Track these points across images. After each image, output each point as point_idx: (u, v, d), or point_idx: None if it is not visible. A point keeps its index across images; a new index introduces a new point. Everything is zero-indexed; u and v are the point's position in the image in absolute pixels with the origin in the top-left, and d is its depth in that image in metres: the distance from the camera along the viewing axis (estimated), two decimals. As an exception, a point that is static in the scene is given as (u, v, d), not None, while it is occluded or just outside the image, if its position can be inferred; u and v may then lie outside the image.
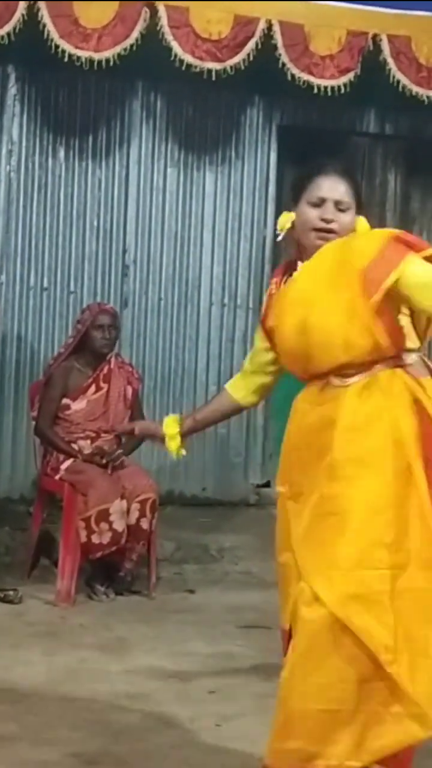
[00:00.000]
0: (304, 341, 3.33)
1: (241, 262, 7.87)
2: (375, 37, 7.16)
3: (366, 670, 3.18)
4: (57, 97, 7.53)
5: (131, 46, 6.79)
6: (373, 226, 3.49)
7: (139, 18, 6.79)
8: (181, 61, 6.91)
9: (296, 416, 3.42)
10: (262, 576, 6.30)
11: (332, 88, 7.13)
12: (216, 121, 7.78)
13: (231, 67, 6.98)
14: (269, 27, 6.99)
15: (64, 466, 6.25)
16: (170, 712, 4.47)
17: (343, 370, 3.31)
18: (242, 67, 7.00)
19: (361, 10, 7.16)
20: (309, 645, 3.21)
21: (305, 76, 7.08)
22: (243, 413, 4.41)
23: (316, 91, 7.12)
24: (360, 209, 3.44)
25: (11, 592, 5.99)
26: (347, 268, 3.29)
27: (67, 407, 6.36)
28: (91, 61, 6.80)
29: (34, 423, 6.52)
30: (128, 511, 6.14)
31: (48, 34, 6.69)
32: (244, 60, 6.97)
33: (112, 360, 6.48)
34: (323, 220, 3.37)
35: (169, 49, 6.87)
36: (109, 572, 6.23)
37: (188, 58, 6.91)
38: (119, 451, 6.31)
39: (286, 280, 3.47)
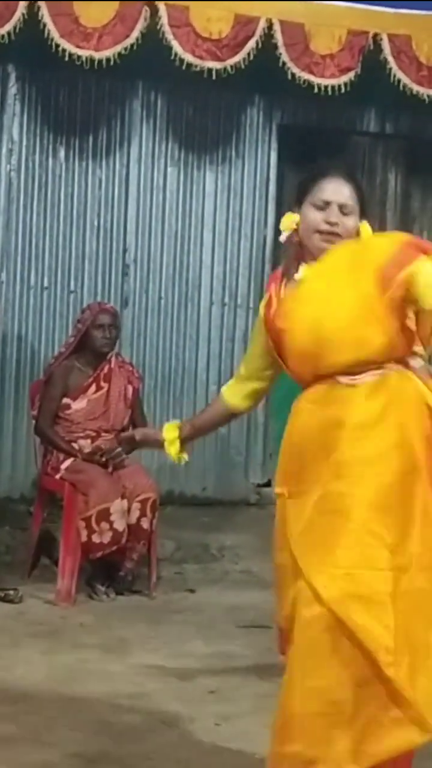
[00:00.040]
0: (316, 339, 3.31)
1: (241, 262, 7.87)
2: (375, 36, 7.16)
3: (365, 673, 3.17)
4: (57, 97, 7.53)
5: (131, 45, 6.80)
6: (373, 225, 3.49)
7: (140, 17, 6.79)
8: (182, 61, 6.91)
9: (300, 416, 3.40)
10: (262, 575, 6.29)
11: (332, 87, 7.13)
12: (216, 120, 7.78)
13: (231, 67, 6.98)
14: (270, 26, 6.99)
15: (64, 466, 6.25)
16: (170, 712, 4.47)
17: (353, 369, 3.30)
18: (242, 67, 7.00)
19: (362, 9, 7.16)
20: (308, 647, 3.20)
21: (306, 76, 7.08)
22: (244, 412, 4.41)
23: (316, 90, 7.12)
24: (364, 213, 3.44)
25: (11, 592, 5.99)
26: (363, 266, 3.30)
27: (68, 407, 6.36)
28: (91, 60, 6.80)
29: (34, 422, 6.52)
30: (129, 510, 6.14)
31: (48, 34, 6.69)
32: (244, 59, 6.98)
33: (113, 359, 6.47)
34: (327, 222, 3.37)
35: (170, 49, 6.87)
36: (110, 572, 6.22)
37: (188, 58, 6.91)
38: (119, 449, 6.30)
39: (286, 284, 3.46)
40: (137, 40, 6.80)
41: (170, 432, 3.71)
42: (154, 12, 6.82)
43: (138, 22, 6.79)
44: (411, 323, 3.33)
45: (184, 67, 6.94)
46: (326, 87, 7.12)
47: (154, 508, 6.21)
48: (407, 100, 7.34)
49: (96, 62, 6.81)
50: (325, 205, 3.38)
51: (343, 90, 7.15)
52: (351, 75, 7.13)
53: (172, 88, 7.54)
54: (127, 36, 6.79)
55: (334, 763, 3.18)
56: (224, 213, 7.83)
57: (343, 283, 3.32)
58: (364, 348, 3.28)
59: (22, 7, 6.62)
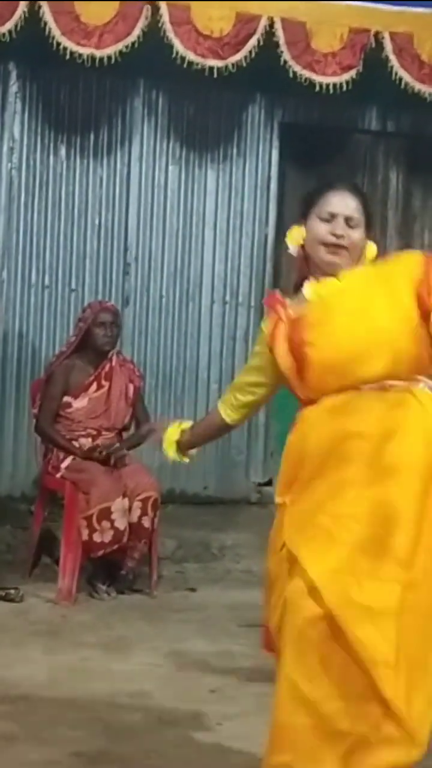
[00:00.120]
0: (350, 352, 3.28)
1: (242, 260, 7.87)
2: (377, 34, 7.15)
3: (358, 689, 3.13)
4: (58, 95, 7.53)
5: (133, 43, 6.79)
6: (374, 224, 3.49)
7: (141, 15, 6.79)
8: (183, 59, 6.90)
9: (313, 425, 3.34)
10: (263, 574, 6.29)
11: (334, 85, 7.12)
12: (217, 118, 7.78)
13: (233, 65, 6.98)
14: (271, 24, 6.98)
15: (64, 465, 6.24)
16: (171, 711, 4.47)
17: (382, 381, 3.28)
18: (244, 65, 6.99)
19: (363, 7, 7.15)
20: (299, 658, 3.17)
21: (307, 74, 7.07)
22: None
23: (317, 88, 7.11)
24: (369, 227, 3.43)
25: (12, 591, 5.99)
26: (397, 281, 3.30)
27: (69, 405, 6.36)
28: (92, 58, 6.79)
29: (34, 421, 6.51)
30: (130, 509, 6.14)
31: (49, 32, 6.68)
32: (245, 57, 6.97)
33: (114, 358, 6.47)
34: (333, 234, 3.35)
35: (171, 47, 6.87)
36: (111, 570, 6.22)
37: (190, 56, 6.90)
38: (116, 444, 6.30)
39: (292, 299, 3.42)
40: (138, 38, 6.79)
41: (172, 434, 3.71)
42: (156, 10, 6.82)
43: (139, 20, 6.78)
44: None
45: (185, 65, 6.93)
46: (328, 85, 7.11)
47: (155, 507, 6.20)
48: (409, 99, 7.33)
49: (97, 60, 6.80)
50: (331, 218, 3.36)
51: (344, 88, 7.14)
52: (352, 73, 7.12)
53: (174, 86, 7.53)
54: (129, 34, 6.78)
55: None
56: (225, 211, 7.82)
57: (379, 297, 3.31)
58: (398, 361, 3.27)
59: (23, 6, 6.61)
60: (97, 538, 6.05)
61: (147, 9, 6.80)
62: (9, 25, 6.61)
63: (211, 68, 6.96)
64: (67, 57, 6.76)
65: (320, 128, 7.89)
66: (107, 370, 6.42)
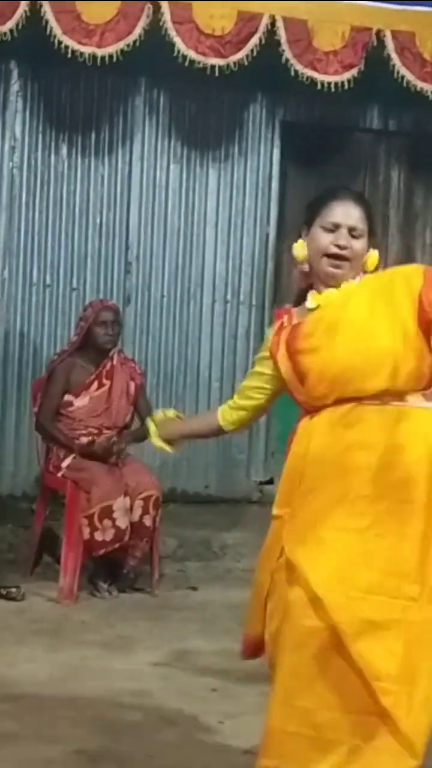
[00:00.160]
0: (351, 364, 3.26)
1: (244, 259, 7.86)
2: (379, 32, 7.14)
3: (356, 700, 3.12)
4: (60, 94, 7.53)
5: (134, 42, 6.78)
6: (377, 231, 3.47)
7: (142, 14, 6.78)
8: (184, 57, 6.89)
9: (313, 436, 3.32)
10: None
11: (336, 84, 7.11)
12: (219, 117, 7.77)
13: (234, 63, 6.97)
14: (272, 23, 6.97)
15: (65, 463, 6.24)
16: (173, 710, 4.47)
17: (381, 396, 3.26)
18: (245, 63, 6.98)
19: (365, 5, 7.14)
20: (297, 665, 3.16)
21: (309, 72, 7.06)
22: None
23: (319, 87, 7.10)
24: (372, 236, 3.40)
25: (14, 590, 5.99)
26: (398, 295, 3.28)
27: (70, 404, 6.36)
28: (93, 57, 6.78)
29: (35, 418, 6.51)
30: (131, 508, 6.13)
31: (51, 30, 6.68)
32: (247, 56, 6.96)
33: (115, 356, 6.47)
34: (336, 245, 3.33)
35: (172, 45, 6.86)
36: (112, 569, 6.22)
37: (191, 54, 6.89)
38: (114, 438, 6.28)
39: (302, 311, 3.41)
40: (140, 36, 6.78)
41: (156, 418, 3.71)
42: (157, 9, 6.81)
43: (140, 18, 6.78)
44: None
45: (186, 63, 6.92)
46: (329, 84, 7.10)
47: (156, 506, 6.20)
48: (411, 97, 7.32)
49: (98, 59, 6.79)
50: (334, 228, 3.33)
51: (346, 87, 7.13)
52: (354, 72, 7.11)
53: (175, 85, 7.53)
54: (130, 33, 6.77)
55: None
56: (227, 210, 7.82)
57: (379, 309, 3.29)
58: (397, 375, 3.25)
59: (24, 4, 6.60)
60: (98, 536, 6.05)
61: (148, 7, 6.79)
62: (10, 23, 6.60)
63: (212, 67, 6.95)
64: (69, 56, 6.75)
65: (322, 127, 7.89)
66: (108, 369, 6.42)
